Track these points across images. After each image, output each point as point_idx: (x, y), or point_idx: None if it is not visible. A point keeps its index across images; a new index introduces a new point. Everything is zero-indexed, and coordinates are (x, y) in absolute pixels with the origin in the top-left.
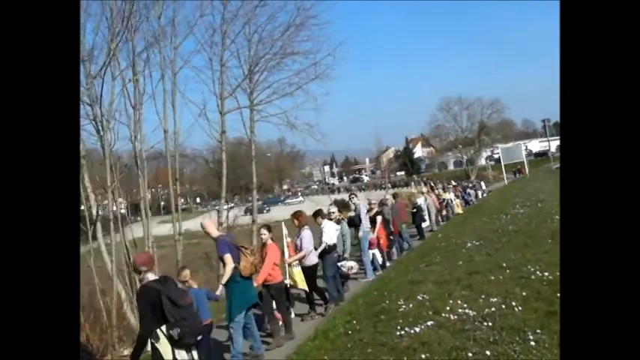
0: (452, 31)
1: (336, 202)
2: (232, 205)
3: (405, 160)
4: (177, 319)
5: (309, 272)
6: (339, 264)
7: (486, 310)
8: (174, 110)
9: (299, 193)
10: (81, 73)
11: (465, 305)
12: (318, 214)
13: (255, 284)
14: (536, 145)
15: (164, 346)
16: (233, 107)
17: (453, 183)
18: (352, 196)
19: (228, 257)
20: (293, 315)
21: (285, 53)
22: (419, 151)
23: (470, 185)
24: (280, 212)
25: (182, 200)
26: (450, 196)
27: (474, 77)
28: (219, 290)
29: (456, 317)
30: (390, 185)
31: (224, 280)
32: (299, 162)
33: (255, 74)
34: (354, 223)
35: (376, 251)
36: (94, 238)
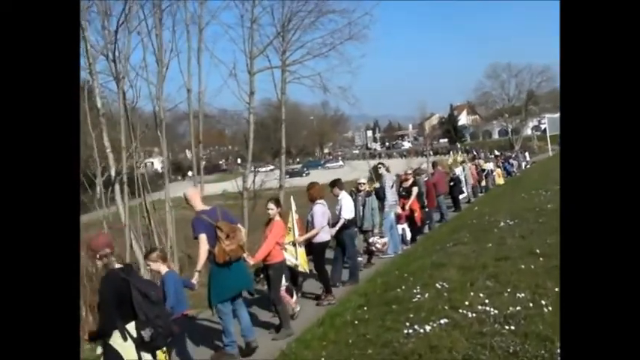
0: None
1: (375, 168)
2: (272, 167)
3: (449, 128)
4: (149, 317)
5: (318, 249)
6: (370, 240)
7: (510, 308)
8: (199, 68)
9: (339, 158)
10: (100, 26)
11: (487, 301)
12: (335, 184)
13: (251, 261)
14: None
15: (127, 348)
16: (263, 67)
17: (496, 153)
18: (380, 165)
19: (202, 238)
20: (295, 299)
21: (321, 12)
22: (463, 119)
23: (513, 155)
24: (319, 176)
25: (223, 161)
26: (490, 166)
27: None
28: (195, 278)
29: (474, 315)
30: (432, 153)
31: (198, 265)
32: (342, 126)
33: (289, 32)
34: (379, 196)
35: (405, 226)
36: (113, 200)
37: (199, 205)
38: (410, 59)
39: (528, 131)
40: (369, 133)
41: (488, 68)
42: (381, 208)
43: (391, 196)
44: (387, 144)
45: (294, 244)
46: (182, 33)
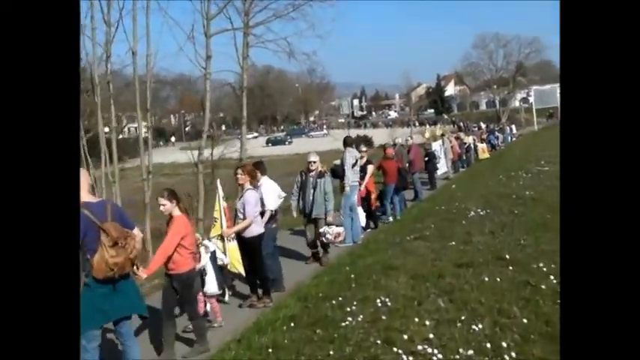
0: None
1: (358, 138)
2: (256, 135)
3: (436, 98)
4: None
5: (252, 246)
6: (321, 230)
7: (460, 350)
8: (147, 29)
9: (324, 126)
10: None
11: (432, 335)
12: (258, 167)
13: (143, 275)
14: None
15: None
16: (221, 29)
17: (482, 125)
18: (345, 143)
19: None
20: (227, 299)
21: None
22: (451, 89)
23: (497, 128)
24: (302, 145)
25: (207, 127)
26: (471, 140)
27: (513, 12)
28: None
29: None
30: (417, 123)
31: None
32: (328, 94)
33: None
34: (337, 175)
35: (359, 209)
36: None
37: (84, 195)
38: (398, 26)
39: (516, 103)
40: (356, 101)
41: (476, 38)
42: (341, 189)
43: (352, 175)
44: (373, 113)
45: (222, 238)
46: None
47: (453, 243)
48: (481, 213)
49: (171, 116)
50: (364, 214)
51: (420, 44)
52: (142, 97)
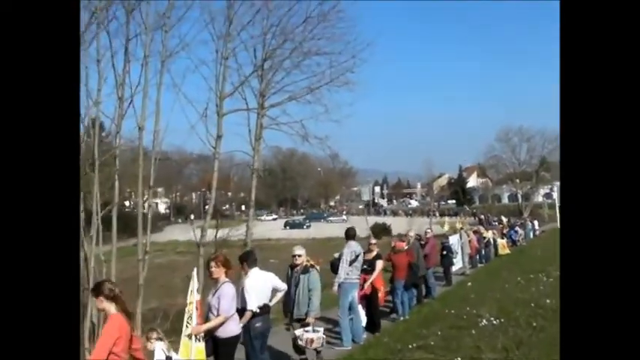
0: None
1: (375, 226)
2: (275, 217)
3: (457, 189)
4: None
5: (226, 348)
6: (296, 332)
7: None
8: (157, 105)
9: (344, 212)
10: None
11: None
12: (245, 258)
13: None
14: None
15: None
16: (234, 108)
17: (503, 219)
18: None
19: None
20: None
21: (305, 52)
22: (473, 181)
23: (519, 223)
24: (320, 230)
25: (226, 206)
26: (490, 235)
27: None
28: None
29: None
30: (438, 214)
31: None
32: (350, 179)
33: (268, 72)
34: (334, 269)
35: (360, 309)
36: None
37: None
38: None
39: (539, 198)
40: (377, 188)
41: (499, 131)
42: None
43: (348, 271)
44: (394, 201)
45: (190, 337)
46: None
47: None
48: (494, 322)
49: (193, 194)
50: (362, 312)
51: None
52: (160, 174)
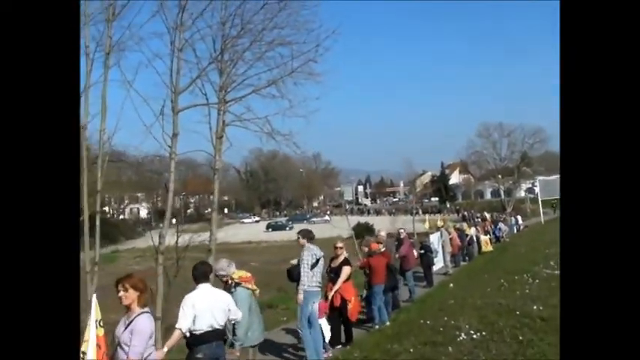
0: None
1: (358, 226)
2: (258, 219)
3: (440, 186)
4: None
5: None
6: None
7: None
8: (103, 102)
9: (328, 212)
10: None
11: None
12: (193, 271)
13: None
14: None
15: None
16: (190, 104)
17: (487, 215)
18: (298, 235)
19: None
20: None
21: (270, 42)
22: (455, 178)
23: (502, 218)
24: None
25: (209, 210)
26: (473, 232)
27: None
28: None
29: None
30: (421, 211)
31: None
32: (332, 179)
33: (228, 65)
34: (293, 277)
35: (322, 322)
36: None
37: None
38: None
39: (521, 193)
40: (360, 188)
41: (479, 126)
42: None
43: (309, 278)
44: (377, 200)
45: None
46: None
47: None
48: (474, 336)
49: (176, 198)
50: (328, 327)
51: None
52: (141, 178)
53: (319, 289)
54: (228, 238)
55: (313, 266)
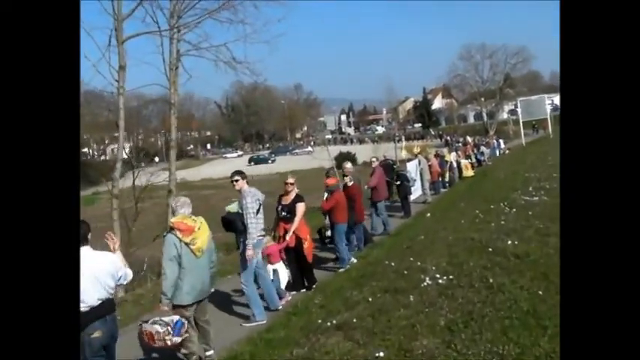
0: None
1: (339, 156)
2: (240, 153)
3: (422, 112)
4: None
5: None
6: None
7: None
8: None
9: (312, 143)
10: None
11: None
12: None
13: None
14: None
15: None
16: (136, 32)
17: (469, 139)
18: (236, 177)
19: None
20: None
21: None
22: (438, 103)
23: (485, 142)
24: (286, 164)
25: (190, 146)
26: (453, 157)
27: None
28: None
29: None
30: (404, 138)
31: None
32: (315, 110)
33: None
34: (232, 227)
35: (279, 266)
36: None
37: None
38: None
39: (504, 115)
40: (343, 117)
41: (461, 49)
42: (238, 248)
43: (256, 228)
44: (360, 128)
45: None
46: None
47: (381, 354)
48: (440, 281)
49: (158, 135)
50: (286, 271)
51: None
52: None
53: (263, 236)
54: (210, 174)
55: (257, 212)
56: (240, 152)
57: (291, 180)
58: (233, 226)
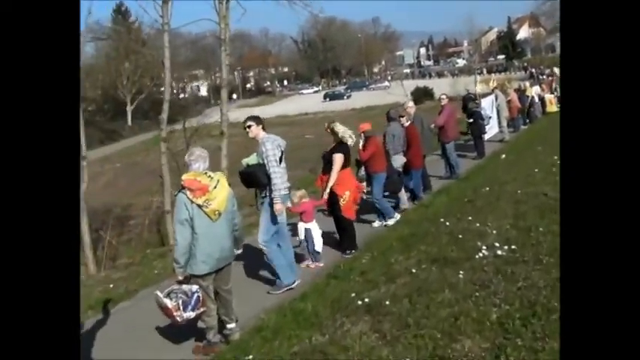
0: None
1: (416, 90)
2: (317, 89)
3: (506, 43)
4: None
5: None
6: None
7: None
8: None
9: (389, 77)
10: None
11: None
12: None
13: None
14: None
15: None
16: None
17: (556, 70)
18: (249, 122)
19: None
20: None
21: None
22: (524, 32)
23: None
24: (361, 99)
25: (267, 83)
26: (536, 91)
27: None
28: None
29: None
30: (485, 71)
31: None
32: (393, 44)
33: None
34: (255, 182)
35: (312, 225)
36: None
37: None
38: None
39: None
40: (423, 50)
41: None
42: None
43: (280, 175)
44: (440, 62)
45: None
46: None
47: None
48: (499, 252)
49: (235, 73)
50: (319, 231)
51: None
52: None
53: (289, 189)
54: (285, 110)
55: (280, 161)
56: (316, 88)
57: (330, 124)
58: (255, 179)
